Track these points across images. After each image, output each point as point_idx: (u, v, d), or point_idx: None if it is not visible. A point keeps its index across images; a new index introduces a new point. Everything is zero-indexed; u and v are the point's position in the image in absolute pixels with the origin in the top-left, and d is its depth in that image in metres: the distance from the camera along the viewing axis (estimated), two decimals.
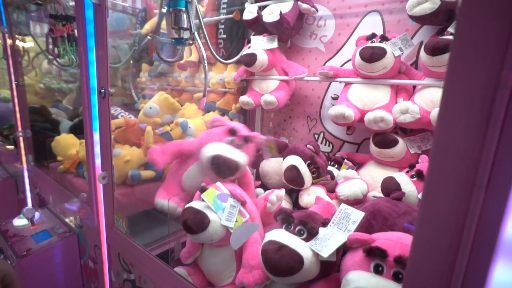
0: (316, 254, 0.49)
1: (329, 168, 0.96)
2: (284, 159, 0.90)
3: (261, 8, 1.12)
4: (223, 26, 1.32)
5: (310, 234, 0.52)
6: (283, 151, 0.96)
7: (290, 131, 1.32)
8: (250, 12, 1.09)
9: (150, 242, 0.89)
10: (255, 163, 0.99)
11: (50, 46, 1.24)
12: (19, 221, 1.25)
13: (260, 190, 0.94)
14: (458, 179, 0.25)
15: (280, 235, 0.51)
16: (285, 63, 1.16)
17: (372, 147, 0.88)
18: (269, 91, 1.19)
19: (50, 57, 1.62)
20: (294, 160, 0.85)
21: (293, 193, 0.94)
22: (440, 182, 0.26)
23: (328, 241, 0.49)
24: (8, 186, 1.86)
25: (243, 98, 1.21)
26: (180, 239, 0.82)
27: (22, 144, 1.60)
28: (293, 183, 0.85)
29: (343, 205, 0.52)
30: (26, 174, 1.61)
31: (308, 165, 0.86)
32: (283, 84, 1.17)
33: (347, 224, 0.50)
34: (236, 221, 0.60)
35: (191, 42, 0.81)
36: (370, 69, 0.86)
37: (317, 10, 1.06)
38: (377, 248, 0.41)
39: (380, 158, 0.89)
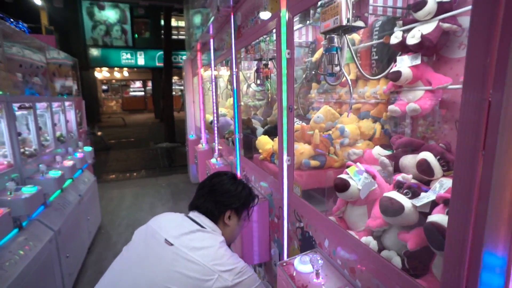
0: (415, 206, 0.77)
1: None
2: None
3: (406, 31, 1.36)
4: (375, 49, 1.63)
5: (414, 195, 0.79)
6: (419, 148, 1.18)
7: (439, 134, 1.44)
8: (396, 37, 1.36)
9: None
10: (396, 158, 1.25)
11: (258, 80, 1.98)
12: None
13: None
14: None
15: (392, 193, 0.83)
16: (430, 75, 1.33)
17: None
18: (415, 100, 1.39)
19: (252, 85, 2.45)
20: (425, 154, 1.07)
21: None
22: None
23: (423, 199, 0.76)
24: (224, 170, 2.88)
25: (391, 107, 1.47)
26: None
27: (237, 143, 2.50)
28: (423, 173, 1.07)
29: (442, 178, 0.77)
30: (238, 162, 2.51)
31: (439, 160, 1.05)
32: (428, 94, 1.34)
33: (440, 190, 0.74)
34: None
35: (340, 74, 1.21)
36: None
37: (461, 26, 1.19)
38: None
39: None
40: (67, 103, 3.28)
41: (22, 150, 2.18)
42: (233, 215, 1.19)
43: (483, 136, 0.51)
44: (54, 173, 2.26)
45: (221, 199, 1.16)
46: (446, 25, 1.19)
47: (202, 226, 1.09)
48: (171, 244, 0.98)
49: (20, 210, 1.78)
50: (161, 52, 10.49)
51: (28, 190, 1.87)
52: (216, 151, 3.20)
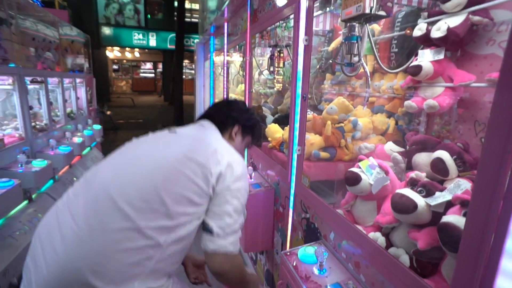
0: (428, 205, 0.75)
1: None
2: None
3: (431, 24, 1.30)
4: (395, 41, 1.57)
5: (428, 194, 0.77)
6: (434, 147, 1.14)
7: (455, 134, 1.40)
8: (419, 29, 1.30)
9: None
10: (409, 154, 1.22)
11: (272, 68, 1.94)
12: None
13: None
14: None
15: (405, 191, 0.80)
16: (452, 71, 1.28)
17: None
18: (433, 97, 1.34)
19: (265, 72, 2.41)
20: (441, 153, 1.04)
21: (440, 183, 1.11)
22: None
23: (439, 198, 0.73)
24: None
25: (408, 103, 1.42)
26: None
27: None
28: (437, 172, 1.04)
29: (458, 179, 0.74)
30: (246, 149, 2.49)
31: (455, 160, 1.02)
32: (448, 91, 1.29)
33: (457, 191, 0.72)
34: None
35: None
36: None
37: (492, 20, 1.13)
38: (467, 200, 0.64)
39: None
40: (78, 80, 3.28)
41: (33, 124, 2.20)
42: (239, 133, 1.23)
43: None
44: (63, 149, 2.28)
45: (233, 114, 1.22)
46: (476, 18, 1.13)
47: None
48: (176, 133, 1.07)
49: (30, 183, 1.81)
50: (173, 34, 10.40)
51: (38, 164, 1.90)
52: None
